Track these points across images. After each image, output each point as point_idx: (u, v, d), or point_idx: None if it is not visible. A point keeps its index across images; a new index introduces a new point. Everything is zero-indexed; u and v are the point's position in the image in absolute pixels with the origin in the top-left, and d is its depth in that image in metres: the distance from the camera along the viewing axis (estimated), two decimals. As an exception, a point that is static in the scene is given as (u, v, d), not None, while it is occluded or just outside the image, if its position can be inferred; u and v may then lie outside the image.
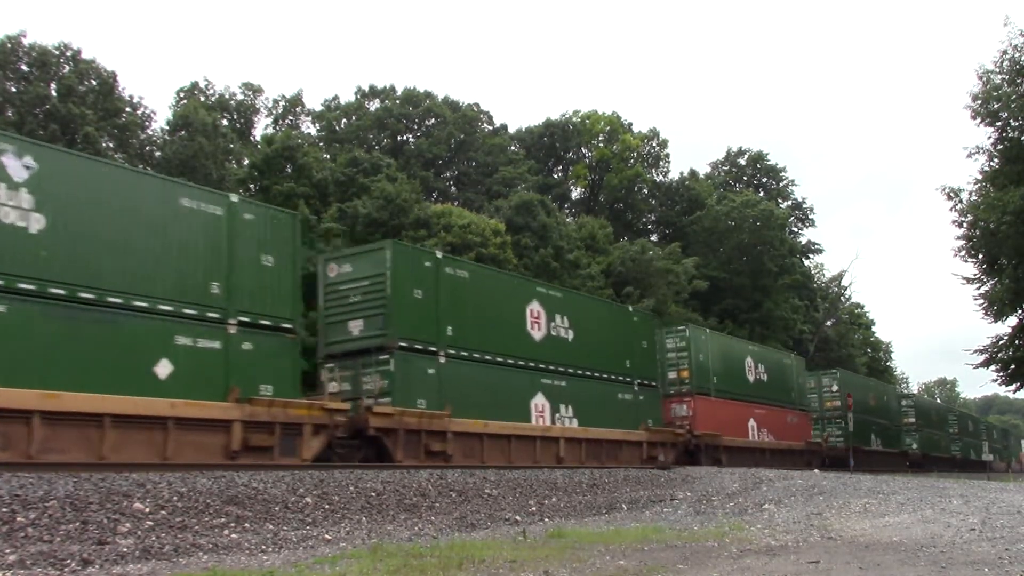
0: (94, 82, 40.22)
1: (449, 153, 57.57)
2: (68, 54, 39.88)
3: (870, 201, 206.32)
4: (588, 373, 21.72)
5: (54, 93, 38.06)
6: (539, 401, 19.86)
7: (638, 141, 63.11)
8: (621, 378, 23.10)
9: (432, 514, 11.04)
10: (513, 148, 61.30)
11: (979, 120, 28.27)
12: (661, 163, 65.60)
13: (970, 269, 31.38)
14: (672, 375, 27.16)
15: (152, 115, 45.75)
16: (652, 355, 25.11)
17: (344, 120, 59.30)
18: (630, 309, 25.71)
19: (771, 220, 54.92)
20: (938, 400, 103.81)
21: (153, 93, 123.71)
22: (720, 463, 25.54)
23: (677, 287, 47.78)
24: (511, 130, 63.59)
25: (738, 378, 30.03)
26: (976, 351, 31.35)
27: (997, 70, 28.16)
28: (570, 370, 21.01)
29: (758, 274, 55.06)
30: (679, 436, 24.95)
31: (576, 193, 65.07)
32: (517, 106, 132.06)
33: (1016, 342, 30.15)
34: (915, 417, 51.07)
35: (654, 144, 65.11)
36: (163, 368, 12.15)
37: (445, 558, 6.88)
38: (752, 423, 30.04)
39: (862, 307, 77.11)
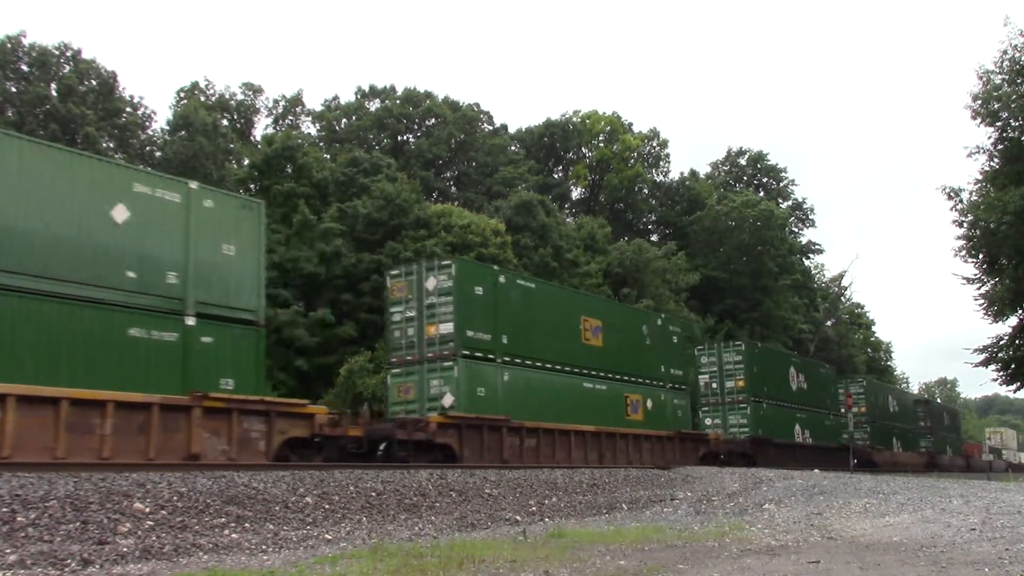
0: (94, 82, 40.25)
1: (449, 153, 57.58)
2: (68, 54, 39.91)
3: (871, 201, 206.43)
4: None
5: (54, 93, 38.08)
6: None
7: (638, 141, 63.14)
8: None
9: (432, 514, 11.03)
10: (513, 148, 61.31)
11: (979, 120, 28.24)
12: (661, 163, 65.69)
13: (970, 269, 31.34)
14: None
15: (152, 115, 45.83)
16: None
17: (344, 120, 59.33)
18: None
19: (771, 220, 54.95)
20: (938, 400, 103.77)
21: (153, 93, 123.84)
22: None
23: (673, 285, 47.82)
24: (511, 130, 63.67)
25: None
26: (976, 351, 31.31)
27: (997, 70, 28.13)
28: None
29: (758, 274, 55.08)
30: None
31: (576, 193, 65.15)
32: (517, 106, 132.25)
33: (1016, 342, 30.10)
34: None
35: (654, 144, 65.16)
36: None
37: (445, 558, 6.87)
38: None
39: (862, 307, 77.19)
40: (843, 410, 39.92)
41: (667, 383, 25.08)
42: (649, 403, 23.92)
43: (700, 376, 31.88)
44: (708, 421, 31.07)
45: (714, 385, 31.50)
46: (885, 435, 44.10)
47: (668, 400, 24.94)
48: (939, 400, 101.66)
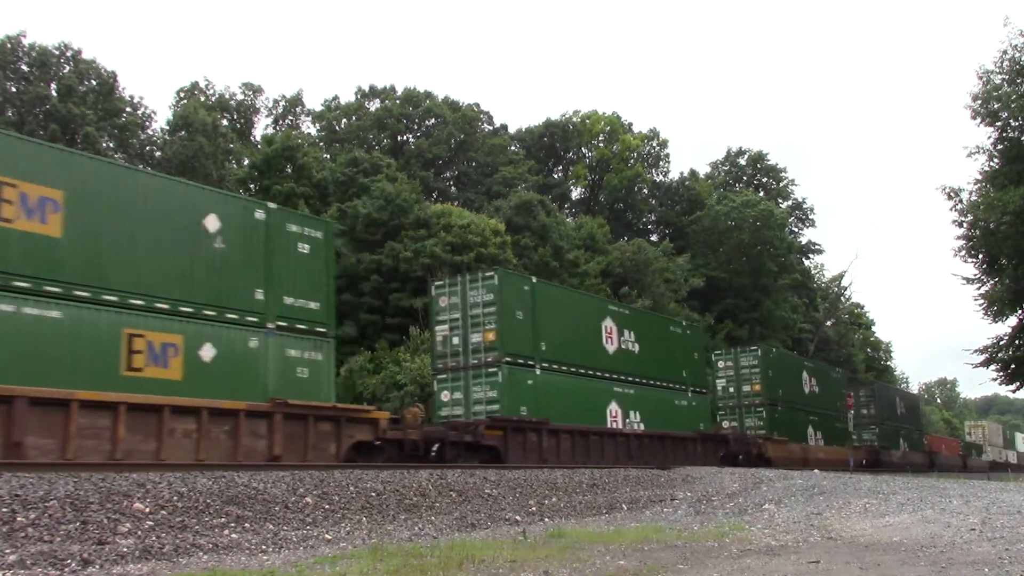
0: (94, 82, 40.25)
1: (449, 153, 57.59)
2: (68, 54, 39.90)
3: (871, 201, 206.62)
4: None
5: (54, 93, 38.07)
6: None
7: (638, 141, 63.18)
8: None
9: (432, 514, 11.04)
10: (513, 148, 61.33)
11: (979, 120, 28.30)
12: (661, 163, 65.77)
13: (970, 269, 31.36)
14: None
15: (152, 115, 45.84)
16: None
17: (344, 120, 59.35)
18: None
19: (771, 220, 54.99)
20: (938, 400, 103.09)
21: (153, 93, 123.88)
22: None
23: (674, 285, 47.83)
24: (511, 130, 63.72)
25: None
26: (976, 351, 31.31)
27: (997, 70, 28.19)
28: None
29: (758, 274, 55.11)
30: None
31: (576, 193, 65.20)
32: (517, 106, 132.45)
33: (1016, 342, 30.10)
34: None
35: (654, 144, 65.21)
36: None
37: (445, 558, 6.87)
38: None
39: (862, 307, 77.26)
40: (765, 389, 32.57)
41: (267, 318, 15.11)
42: (207, 351, 14.00)
43: (438, 328, 21.39)
44: (444, 396, 20.85)
45: (455, 341, 20.75)
46: (795, 424, 34.67)
47: (268, 350, 14.99)
48: (939, 400, 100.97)
